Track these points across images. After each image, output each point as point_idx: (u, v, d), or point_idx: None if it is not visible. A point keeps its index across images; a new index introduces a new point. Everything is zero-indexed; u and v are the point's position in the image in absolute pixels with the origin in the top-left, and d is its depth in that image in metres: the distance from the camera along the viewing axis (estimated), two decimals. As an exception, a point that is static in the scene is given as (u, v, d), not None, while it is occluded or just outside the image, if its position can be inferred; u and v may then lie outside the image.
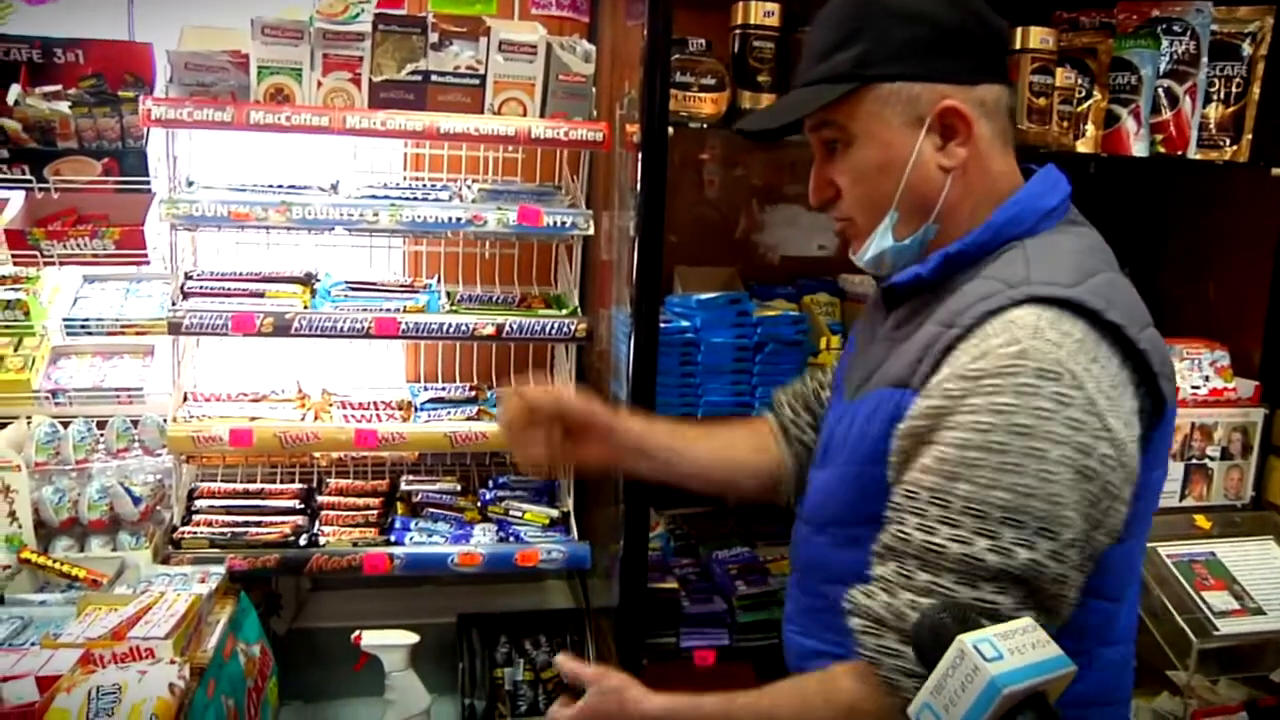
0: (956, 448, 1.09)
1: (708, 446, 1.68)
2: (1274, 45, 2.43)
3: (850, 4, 1.31)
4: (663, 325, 2.17)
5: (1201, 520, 2.44)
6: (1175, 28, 2.44)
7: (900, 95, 1.26)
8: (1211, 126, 2.47)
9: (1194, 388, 2.51)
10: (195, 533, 2.33)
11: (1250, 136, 2.46)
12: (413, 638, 1.80)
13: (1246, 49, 2.43)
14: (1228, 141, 2.46)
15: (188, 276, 2.39)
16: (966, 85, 1.26)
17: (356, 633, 1.80)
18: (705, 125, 2.21)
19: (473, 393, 2.64)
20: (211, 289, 2.36)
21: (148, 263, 2.39)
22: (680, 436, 1.68)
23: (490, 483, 2.61)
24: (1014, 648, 0.91)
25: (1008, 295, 1.15)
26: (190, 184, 2.38)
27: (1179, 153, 2.46)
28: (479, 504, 2.54)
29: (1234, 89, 2.46)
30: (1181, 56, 2.43)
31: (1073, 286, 1.13)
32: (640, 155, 2.06)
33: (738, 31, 2.22)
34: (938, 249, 1.29)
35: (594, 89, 2.39)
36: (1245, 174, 2.50)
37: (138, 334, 2.42)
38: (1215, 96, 2.47)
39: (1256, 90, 2.44)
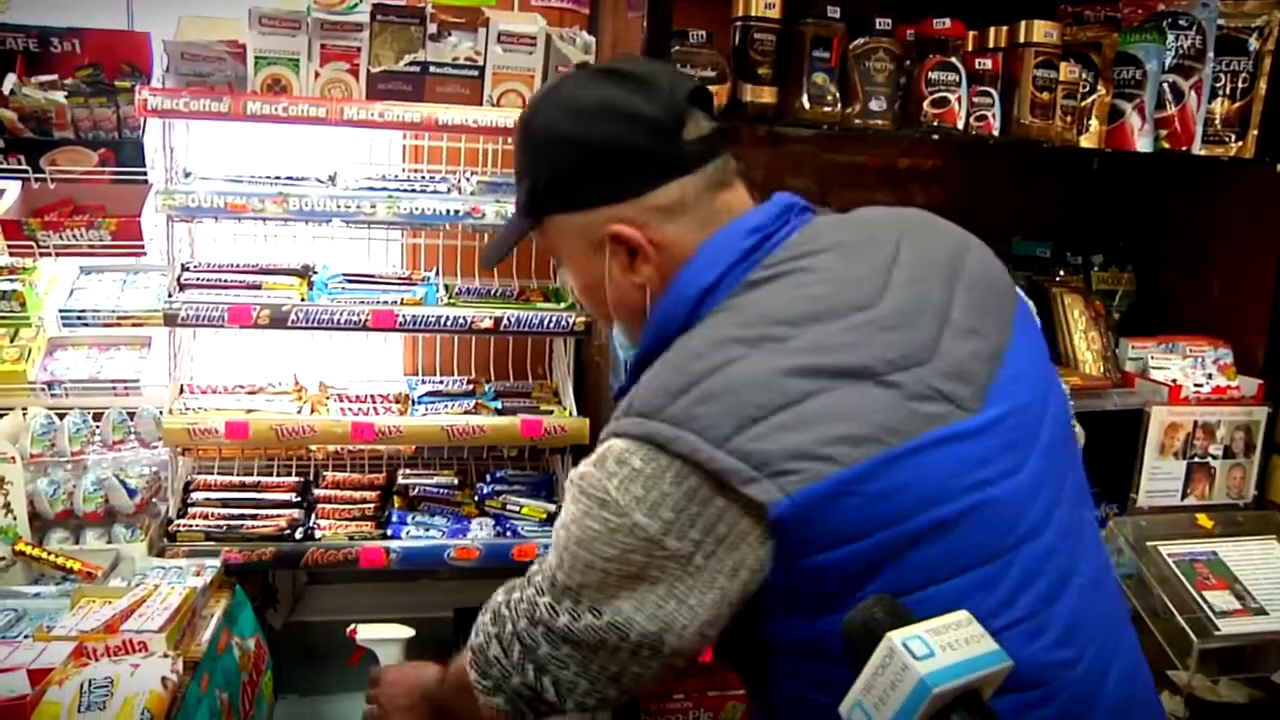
0: (557, 525, 1.21)
1: None
2: (1281, 41, 2.41)
3: (519, 132, 1.34)
4: (661, 319, 2.15)
5: (1203, 519, 2.42)
6: (1181, 22, 2.42)
7: (572, 225, 1.28)
8: (1217, 122, 2.45)
9: (1197, 386, 2.49)
10: (191, 526, 2.32)
11: (1256, 132, 2.44)
12: (408, 632, 1.78)
13: (1253, 44, 2.41)
14: (1233, 137, 2.44)
15: (184, 268, 2.38)
16: (637, 197, 1.24)
17: (351, 626, 1.78)
18: (705, 118, 2.19)
19: (470, 386, 2.62)
20: (208, 281, 2.35)
21: (144, 254, 2.38)
22: None
23: (488, 476, 2.60)
24: (945, 644, 0.89)
25: (612, 424, 1.18)
26: (187, 175, 2.37)
27: (1184, 148, 2.45)
28: (476, 498, 2.53)
29: (1240, 84, 2.44)
30: (1187, 51, 2.41)
31: (648, 417, 1.12)
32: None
33: (738, 23, 2.20)
34: None
35: (594, 81, 2.37)
36: (1250, 170, 2.48)
37: (134, 325, 2.42)
38: (1221, 92, 2.44)
39: (1263, 86, 2.42)
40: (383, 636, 1.76)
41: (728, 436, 1.08)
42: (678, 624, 1.13)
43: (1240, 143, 2.44)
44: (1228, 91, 2.43)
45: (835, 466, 1.06)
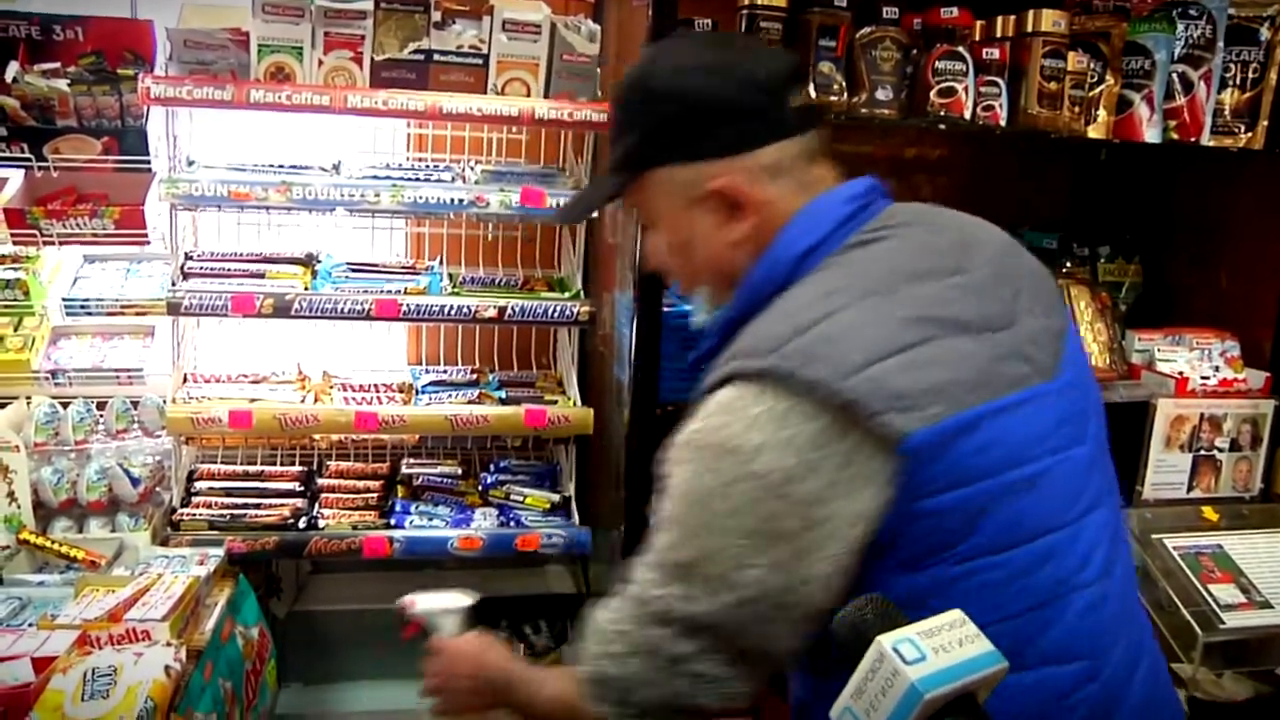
0: (657, 512, 1.18)
1: None
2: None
3: (623, 87, 1.34)
4: (666, 309, 2.15)
5: (1209, 512, 2.41)
6: (1191, 11, 2.39)
7: (674, 179, 1.27)
8: (1226, 113, 2.43)
9: (1204, 378, 2.48)
10: (194, 514, 2.33)
11: (1266, 123, 2.43)
12: (467, 599, 1.69)
13: (1265, 33, 2.39)
14: (1243, 128, 2.42)
15: (188, 257, 2.38)
16: (742, 155, 1.25)
17: (407, 598, 1.70)
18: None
19: (474, 375, 2.62)
20: (212, 269, 2.35)
21: (148, 243, 2.37)
22: None
23: (491, 466, 2.60)
24: (938, 646, 0.86)
25: (716, 374, 1.17)
26: (191, 163, 2.37)
27: (1192, 139, 2.43)
28: (480, 488, 2.53)
29: (1250, 74, 2.42)
30: (1197, 41, 2.39)
31: (769, 354, 1.12)
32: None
33: (744, 12, 2.19)
34: None
35: (599, 70, 2.36)
36: (1260, 161, 2.46)
37: (138, 314, 2.40)
38: (1231, 82, 2.43)
39: (1274, 76, 2.40)
40: (441, 607, 1.67)
41: (854, 370, 1.09)
42: (811, 582, 1.11)
43: (1250, 134, 2.43)
44: (1237, 82, 2.41)
45: (955, 408, 1.10)
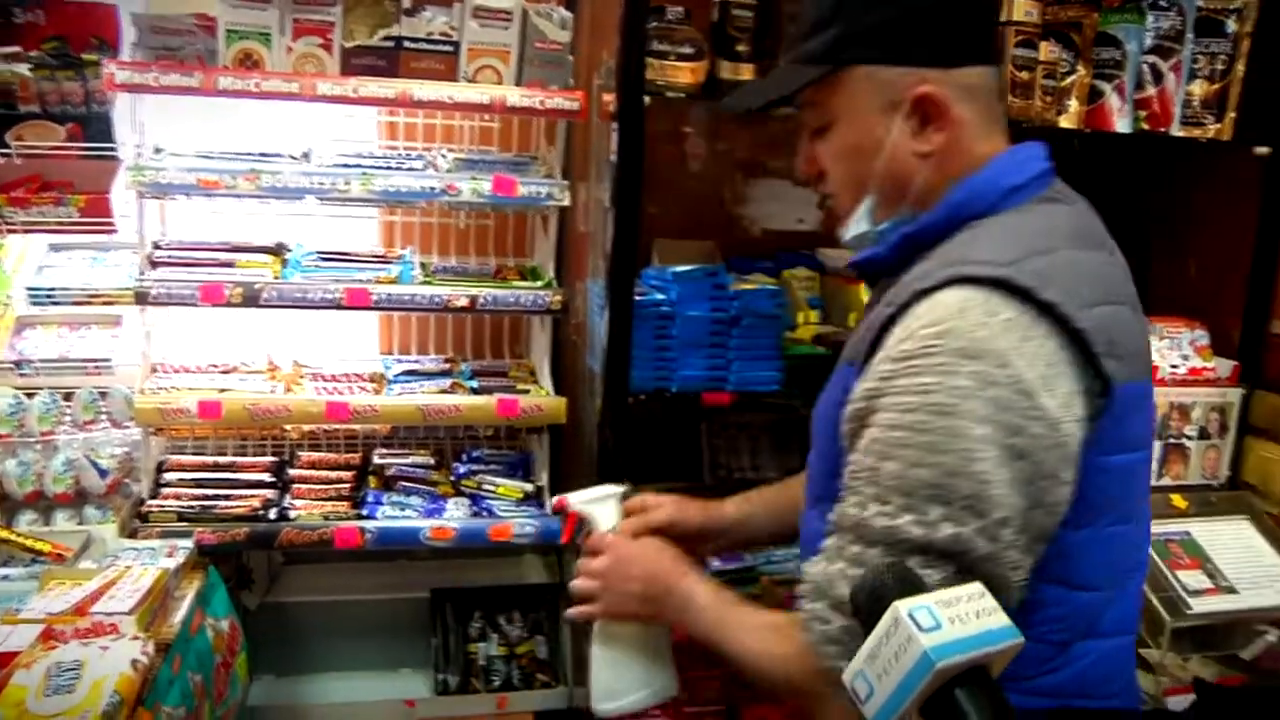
0: (885, 428, 1.10)
1: (789, 501, 1.65)
2: (1259, 22, 2.40)
3: None
4: (638, 298, 2.15)
5: (1178, 499, 2.44)
6: (1161, 3, 2.40)
7: (875, 79, 1.23)
8: (1196, 104, 2.44)
9: (1173, 367, 2.50)
10: (163, 506, 2.30)
11: (1234, 115, 2.44)
12: (620, 488, 1.66)
13: (1232, 25, 2.40)
14: (1211, 119, 2.44)
15: (156, 246, 2.35)
16: (946, 69, 1.22)
17: (558, 497, 1.66)
18: (683, 95, 2.18)
19: (446, 365, 2.61)
20: (180, 259, 2.33)
21: (115, 231, 2.34)
22: (774, 505, 1.67)
23: (464, 456, 2.59)
24: (954, 616, 0.85)
25: (938, 275, 1.13)
26: (158, 151, 2.33)
27: (1162, 130, 2.44)
28: (452, 478, 2.52)
29: (1219, 66, 2.43)
30: (1167, 32, 2.40)
31: (1007, 265, 1.10)
32: (616, 125, 2.02)
33: (717, 0, 2.18)
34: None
35: (571, 57, 2.35)
36: (1228, 152, 2.48)
37: (105, 304, 2.38)
38: (1200, 73, 2.44)
39: (1241, 68, 2.41)
40: (596, 496, 1.64)
41: (1084, 304, 1.10)
42: (1048, 508, 1.07)
43: (1218, 125, 2.44)
44: (1206, 73, 2.43)
45: (1140, 375, 1.17)
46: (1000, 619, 0.87)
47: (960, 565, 1.05)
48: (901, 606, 0.85)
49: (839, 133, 1.28)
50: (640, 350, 2.18)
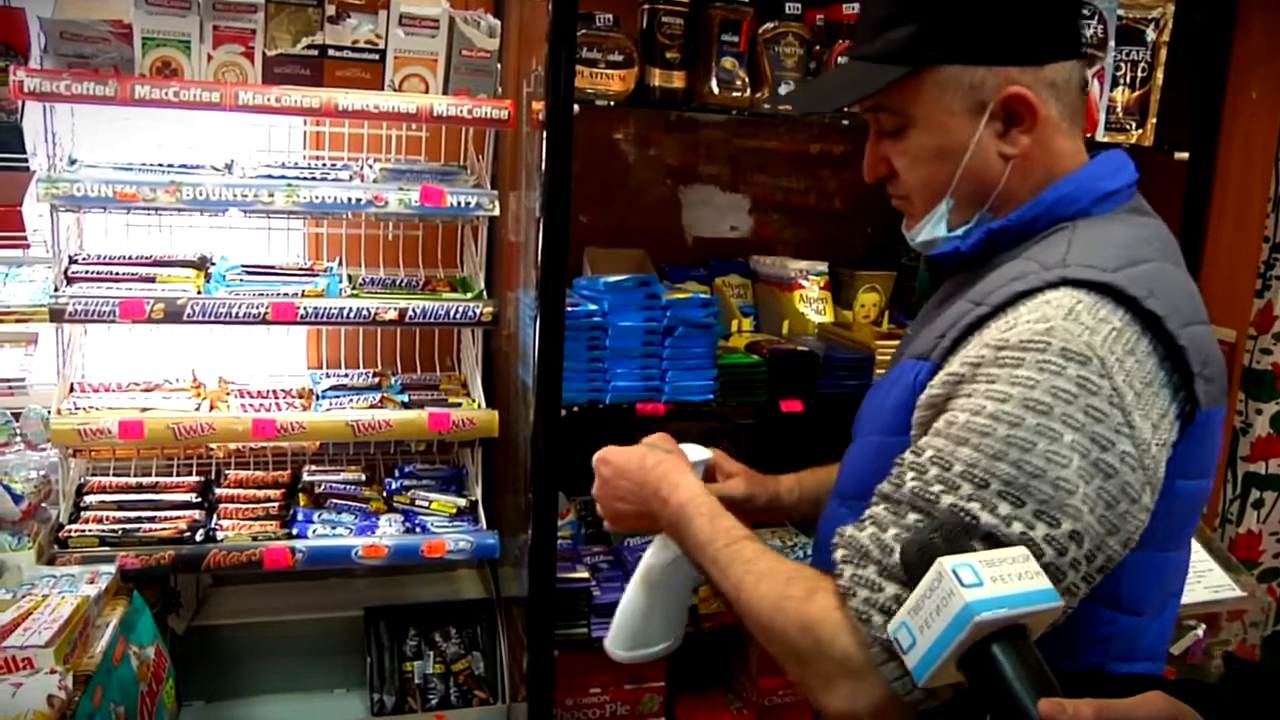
0: (967, 412, 1.04)
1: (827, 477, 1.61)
2: (1175, 32, 2.46)
3: None
4: (569, 309, 2.12)
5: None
6: (1084, 11, 2.45)
7: (962, 80, 1.17)
8: (1119, 110, 2.49)
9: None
10: (84, 530, 2.22)
11: (1154, 120, 2.50)
12: (707, 453, 1.59)
13: (1150, 34, 2.46)
14: (1134, 125, 2.49)
15: (72, 260, 2.27)
16: (1035, 66, 1.18)
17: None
18: (612, 103, 2.17)
19: (376, 379, 2.56)
20: (98, 274, 2.25)
21: (27, 246, 2.26)
22: (817, 482, 1.61)
23: (396, 471, 2.54)
24: (997, 575, 0.87)
25: (1042, 276, 1.08)
26: (73, 162, 2.26)
27: (1088, 135, 2.48)
28: (384, 494, 2.47)
29: (1140, 74, 2.48)
30: (1090, 40, 2.45)
31: (1112, 271, 1.06)
32: (545, 133, 2.00)
33: (646, 6, 2.18)
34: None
35: (500, 65, 2.32)
36: (1150, 157, 2.53)
37: (18, 321, 2.28)
38: (1122, 80, 2.49)
39: (1160, 76, 2.47)
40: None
41: (1184, 321, 1.06)
42: (1124, 534, 1.01)
43: (1140, 130, 2.49)
44: (1128, 80, 2.48)
45: (1219, 400, 1.11)
46: (1042, 582, 0.90)
47: None
48: (946, 562, 0.88)
49: (917, 135, 1.22)
50: (573, 361, 2.16)
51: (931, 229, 1.26)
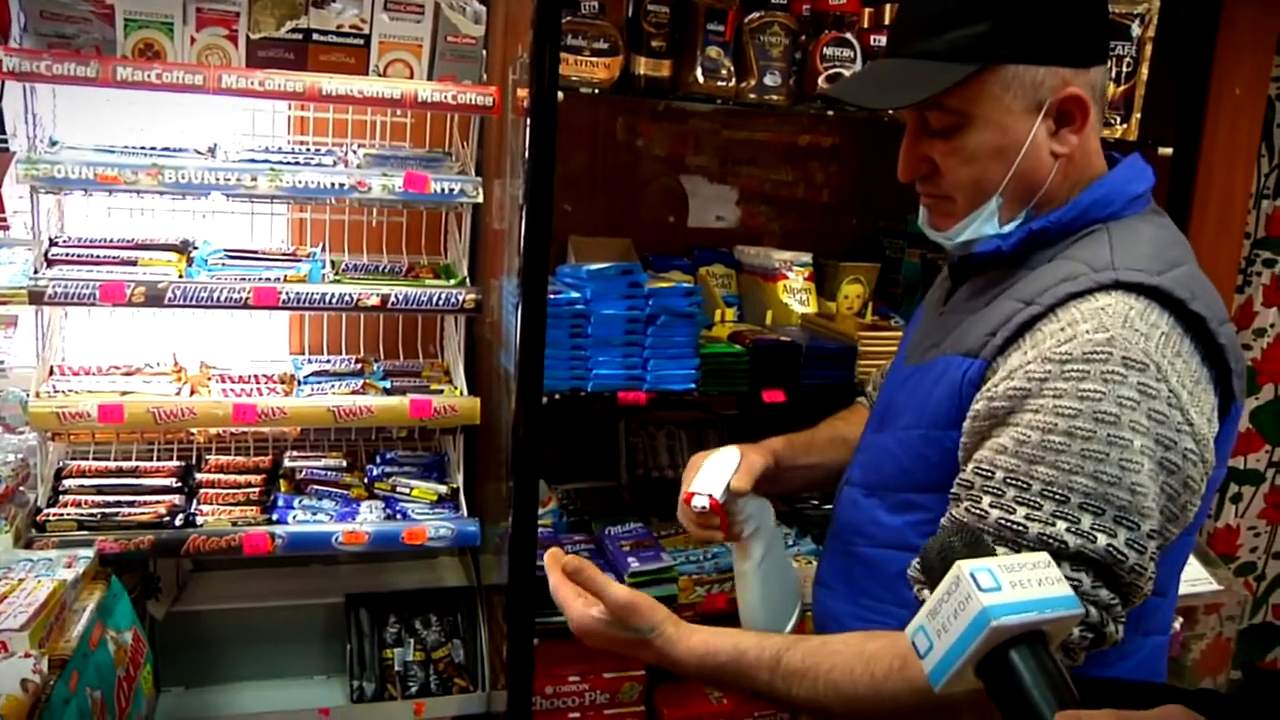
0: (1038, 430, 1.08)
1: (828, 445, 1.66)
2: (1160, 28, 2.47)
3: None
4: (552, 296, 2.12)
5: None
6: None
7: (1024, 79, 1.20)
8: (1105, 104, 2.50)
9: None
10: (62, 514, 2.21)
11: (1139, 115, 2.50)
12: (733, 456, 1.55)
13: (1136, 30, 2.46)
14: (1119, 119, 2.50)
15: (53, 243, 2.26)
16: (1089, 67, 1.22)
17: (699, 499, 1.49)
18: (597, 90, 2.17)
19: (358, 365, 2.55)
20: (79, 256, 2.23)
21: (8, 228, 2.25)
22: (814, 449, 1.66)
23: (377, 458, 2.53)
24: (1016, 581, 0.87)
25: (1093, 279, 1.13)
26: (54, 144, 2.24)
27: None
28: (365, 480, 2.46)
29: (1125, 68, 2.49)
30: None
31: (1158, 275, 1.11)
32: (530, 120, 2.00)
33: (633, -7, 2.17)
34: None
35: (485, 52, 2.31)
36: (1134, 150, 2.53)
37: (-2, 303, 2.28)
38: (1108, 75, 2.49)
39: (1145, 71, 2.48)
40: (723, 477, 1.51)
41: (1222, 320, 1.12)
42: (1182, 523, 1.09)
43: (1125, 125, 2.50)
44: (1114, 75, 2.48)
45: (1244, 393, 1.18)
46: (1063, 589, 0.89)
47: (1107, 574, 1.06)
48: (965, 565, 0.88)
49: (975, 134, 1.24)
50: (555, 349, 2.15)
51: (979, 227, 1.28)
